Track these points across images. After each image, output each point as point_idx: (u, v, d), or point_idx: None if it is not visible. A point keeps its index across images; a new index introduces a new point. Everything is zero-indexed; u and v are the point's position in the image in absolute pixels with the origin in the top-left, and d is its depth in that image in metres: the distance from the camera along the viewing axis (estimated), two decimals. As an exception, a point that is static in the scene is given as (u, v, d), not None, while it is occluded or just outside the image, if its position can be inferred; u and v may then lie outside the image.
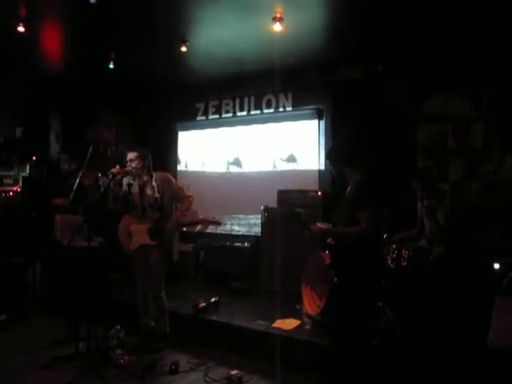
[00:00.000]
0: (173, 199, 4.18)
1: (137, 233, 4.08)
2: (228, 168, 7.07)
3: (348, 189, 3.10)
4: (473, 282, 4.09)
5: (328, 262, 3.13)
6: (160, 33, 5.00)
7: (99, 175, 4.20)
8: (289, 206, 3.96)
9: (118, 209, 4.14)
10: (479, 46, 4.86)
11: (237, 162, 6.99)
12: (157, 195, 4.03)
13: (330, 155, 3.22)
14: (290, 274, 4.98)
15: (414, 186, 4.50)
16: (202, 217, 4.69)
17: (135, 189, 4.11)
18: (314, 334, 4.02)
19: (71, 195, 4.54)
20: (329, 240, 3.07)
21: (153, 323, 4.25)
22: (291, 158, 6.42)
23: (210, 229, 6.41)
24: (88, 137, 7.39)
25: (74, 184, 4.59)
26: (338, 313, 3.10)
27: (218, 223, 4.38)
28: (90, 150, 4.27)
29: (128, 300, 4.70)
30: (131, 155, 4.06)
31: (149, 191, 4.07)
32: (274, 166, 6.58)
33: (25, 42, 5.16)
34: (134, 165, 4.03)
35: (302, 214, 3.20)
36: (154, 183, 4.08)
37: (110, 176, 3.92)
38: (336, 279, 3.04)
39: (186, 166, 7.50)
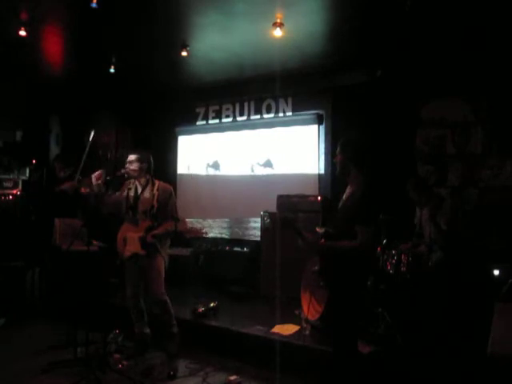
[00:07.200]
0: (166, 214, 4.04)
1: (130, 241, 3.97)
2: (211, 172, 7.15)
3: (347, 191, 3.00)
4: (472, 288, 4.09)
5: (317, 268, 3.11)
6: (160, 37, 5.02)
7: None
8: (284, 212, 3.96)
9: (110, 213, 4.10)
10: (478, 52, 4.87)
11: (223, 166, 7.07)
12: (154, 203, 3.95)
13: (343, 147, 3.01)
14: (289, 278, 4.97)
15: (411, 195, 4.53)
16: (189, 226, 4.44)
17: (131, 192, 4.07)
18: (313, 339, 4.01)
19: (77, 177, 4.45)
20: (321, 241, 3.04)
21: (148, 330, 4.23)
22: (290, 163, 6.42)
23: (212, 233, 6.52)
24: (87, 141, 7.40)
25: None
26: (330, 319, 3.09)
27: (202, 233, 4.28)
28: (85, 157, 4.24)
29: (127, 304, 4.68)
30: (131, 157, 4.04)
31: (146, 196, 4.01)
32: (272, 170, 6.60)
33: (26, 46, 5.18)
34: (132, 167, 4.00)
35: (301, 218, 3.17)
36: (155, 191, 4.01)
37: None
38: (322, 284, 3.03)
39: (189, 170, 7.51)
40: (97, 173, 3.95)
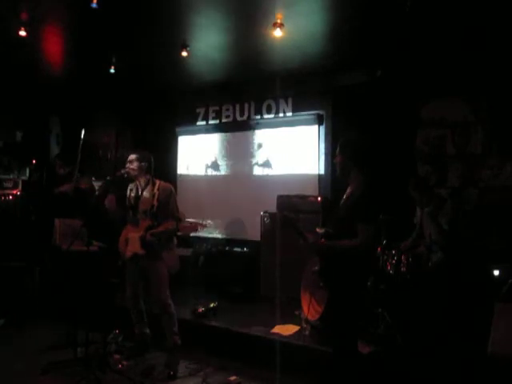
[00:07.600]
0: (167, 213, 4.01)
1: (131, 241, 3.95)
2: (210, 172, 7.17)
3: (347, 191, 3.01)
4: (472, 288, 4.09)
5: (317, 268, 3.12)
6: (161, 37, 5.01)
7: (93, 179, 4.18)
8: (284, 212, 3.96)
9: (115, 215, 4.10)
10: (478, 52, 4.87)
11: (223, 166, 7.06)
12: (154, 202, 3.93)
13: (343, 147, 3.03)
14: (289, 279, 4.97)
15: (413, 195, 4.52)
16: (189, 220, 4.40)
17: (132, 193, 4.08)
18: (313, 339, 4.01)
19: (75, 175, 4.49)
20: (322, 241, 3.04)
21: (148, 330, 4.22)
22: (291, 163, 6.41)
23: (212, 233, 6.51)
24: (87, 140, 7.41)
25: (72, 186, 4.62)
26: (330, 319, 3.10)
27: (202, 226, 4.28)
28: (79, 158, 4.25)
29: (127, 305, 4.68)
30: (131, 157, 4.05)
31: (146, 195, 4.00)
32: (273, 171, 6.60)
33: (26, 46, 5.18)
34: (131, 166, 4.00)
35: (301, 219, 3.17)
36: (155, 191, 3.99)
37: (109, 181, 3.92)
38: (321, 284, 3.03)
39: (189, 170, 7.49)
40: (109, 197, 3.99)
